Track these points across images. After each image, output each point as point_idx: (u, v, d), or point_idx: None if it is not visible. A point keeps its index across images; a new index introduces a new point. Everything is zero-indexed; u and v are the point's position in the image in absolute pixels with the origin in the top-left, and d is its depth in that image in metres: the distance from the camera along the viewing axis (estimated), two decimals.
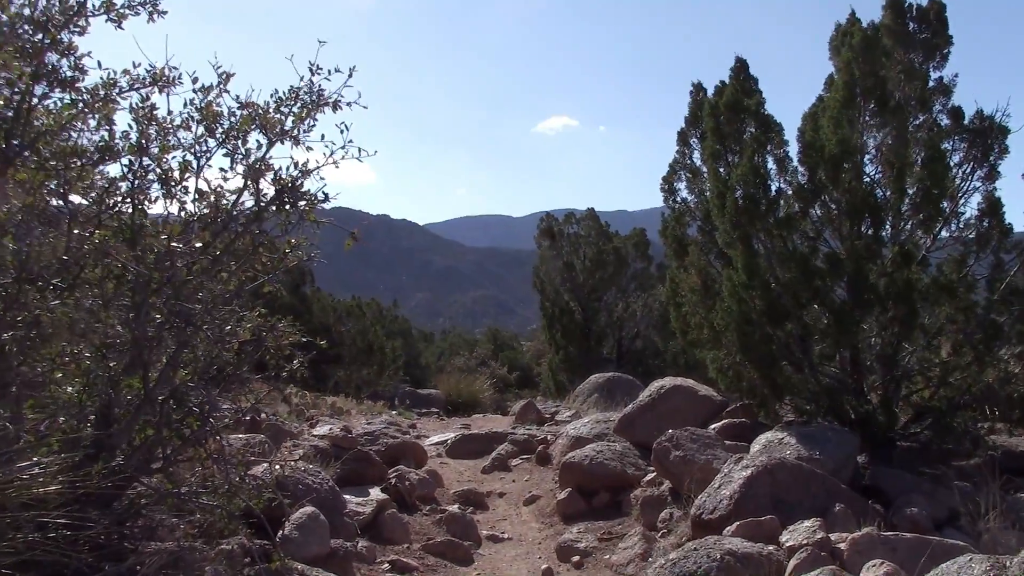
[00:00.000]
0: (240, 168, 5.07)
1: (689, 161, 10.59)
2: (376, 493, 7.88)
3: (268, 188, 5.36)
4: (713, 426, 9.01)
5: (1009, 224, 9.07)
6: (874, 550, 5.38)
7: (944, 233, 9.32)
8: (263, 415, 9.30)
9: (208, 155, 5.19)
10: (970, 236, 9.10)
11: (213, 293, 4.86)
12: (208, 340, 4.81)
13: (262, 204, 5.00)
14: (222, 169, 5.25)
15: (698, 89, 10.69)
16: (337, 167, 5.49)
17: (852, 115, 8.29)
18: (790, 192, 8.83)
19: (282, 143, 5.21)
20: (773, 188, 8.52)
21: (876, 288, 8.20)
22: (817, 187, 8.37)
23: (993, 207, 9.07)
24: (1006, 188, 9.14)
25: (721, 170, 8.92)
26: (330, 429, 11.05)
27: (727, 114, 8.98)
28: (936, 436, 8.46)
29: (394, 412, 20.32)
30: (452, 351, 45.87)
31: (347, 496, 7.60)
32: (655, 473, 8.09)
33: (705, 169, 10.15)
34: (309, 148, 5.01)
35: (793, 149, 9.15)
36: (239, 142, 5.17)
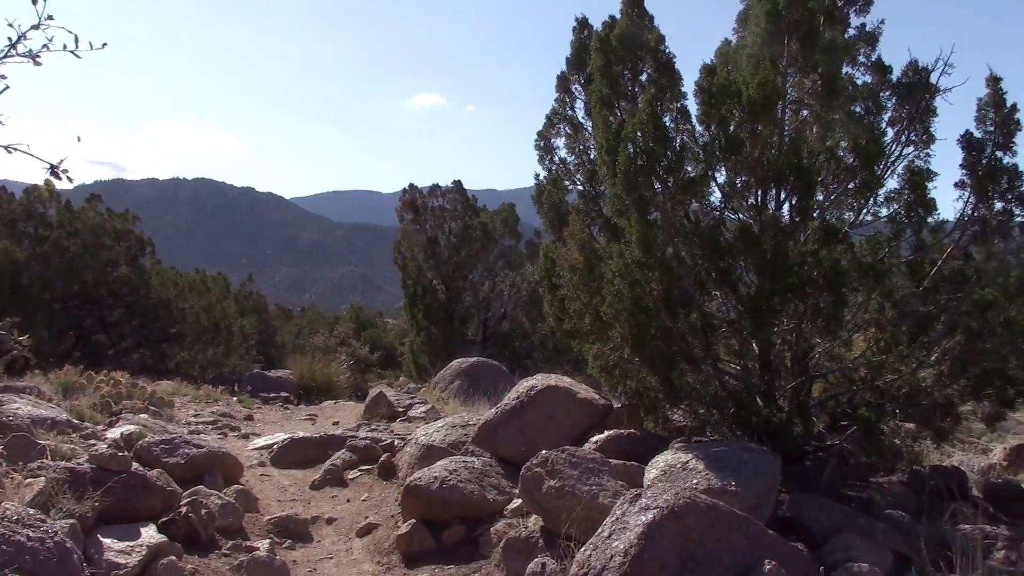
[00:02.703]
0: None
1: (570, 112, 8.76)
2: (150, 533, 5.82)
3: None
4: (596, 438, 7.30)
5: (932, 199, 7.65)
6: None
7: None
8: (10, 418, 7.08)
9: None
10: (897, 211, 7.64)
11: None
12: None
13: None
14: None
15: (582, 25, 8.81)
16: (37, 62, 3.48)
17: (775, 54, 6.66)
18: (692, 151, 7.16)
19: None
20: (676, 144, 6.82)
21: (796, 271, 6.63)
22: (731, 143, 6.70)
23: (918, 179, 7.61)
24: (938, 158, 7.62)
25: (611, 120, 7.17)
26: (122, 433, 8.91)
27: (620, 50, 7.22)
28: (864, 449, 6.98)
29: (234, 399, 18.07)
30: (311, 329, 43.44)
31: (108, 541, 5.56)
32: (523, 501, 6.30)
33: (589, 122, 8.41)
34: None
35: (692, 105, 7.49)
36: None
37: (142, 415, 11.98)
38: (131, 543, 5.59)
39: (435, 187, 25.89)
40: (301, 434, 10.03)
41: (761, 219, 6.80)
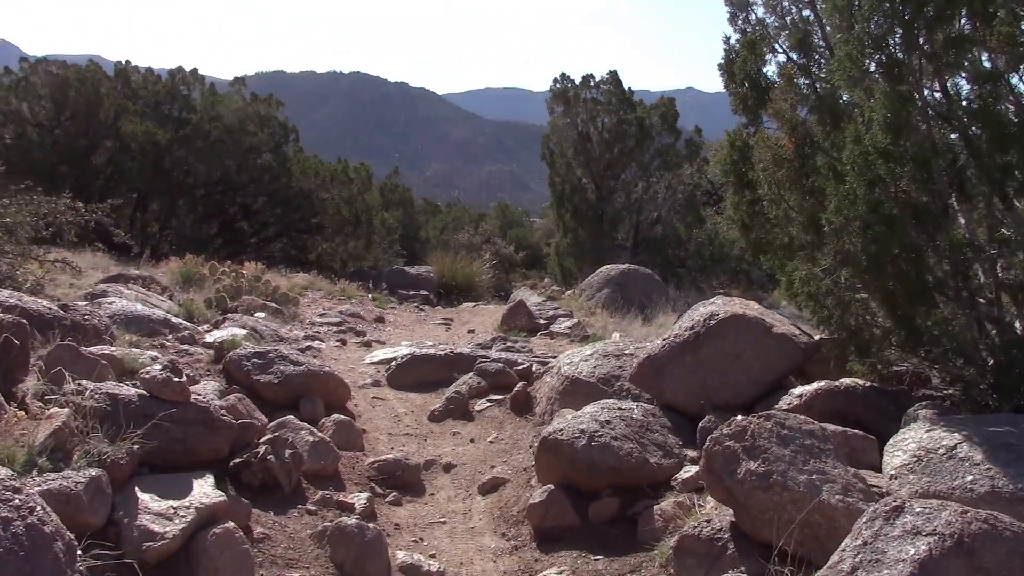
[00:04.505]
0: None
1: None
2: (203, 488, 4.37)
3: None
4: (800, 391, 5.43)
5: None
6: None
7: None
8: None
9: None
10: None
11: None
12: None
13: None
14: None
15: None
16: None
17: None
18: None
19: None
20: None
21: None
22: None
23: None
24: None
25: None
26: (216, 338, 7.65)
27: None
28: None
29: (369, 296, 16.94)
30: (457, 225, 42.45)
31: (146, 498, 4.15)
32: (700, 470, 4.51)
33: None
34: None
35: None
36: None
37: (258, 314, 10.82)
38: (175, 503, 4.17)
39: (588, 78, 23.81)
40: (425, 350, 8.55)
41: None
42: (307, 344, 9.09)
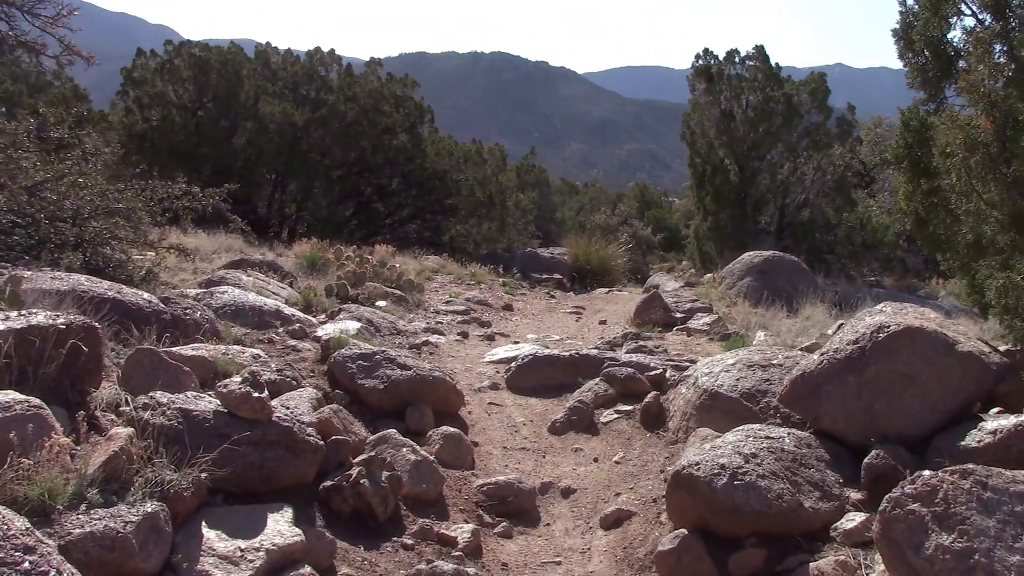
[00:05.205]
0: None
1: None
2: (278, 525, 3.79)
3: None
4: (994, 426, 4.39)
5: None
6: None
7: None
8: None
9: None
10: None
11: None
12: None
13: None
14: None
15: None
16: None
17: None
18: None
19: None
20: None
21: None
22: None
23: None
24: None
25: None
26: (326, 334, 7.14)
27: None
28: None
29: (499, 281, 16.43)
30: (594, 206, 41.71)
31: (211, 536, 3.60)
32: (884, 559, 3.57)
33: None
34: None
35: None
36: None
37: (380, 302, 10.39)
38: (244, 543, 3.61)
39: (732, 53, 22.57)
40: (548, 350, 7.87)
41: None
42: (424, 339, 8.54)
